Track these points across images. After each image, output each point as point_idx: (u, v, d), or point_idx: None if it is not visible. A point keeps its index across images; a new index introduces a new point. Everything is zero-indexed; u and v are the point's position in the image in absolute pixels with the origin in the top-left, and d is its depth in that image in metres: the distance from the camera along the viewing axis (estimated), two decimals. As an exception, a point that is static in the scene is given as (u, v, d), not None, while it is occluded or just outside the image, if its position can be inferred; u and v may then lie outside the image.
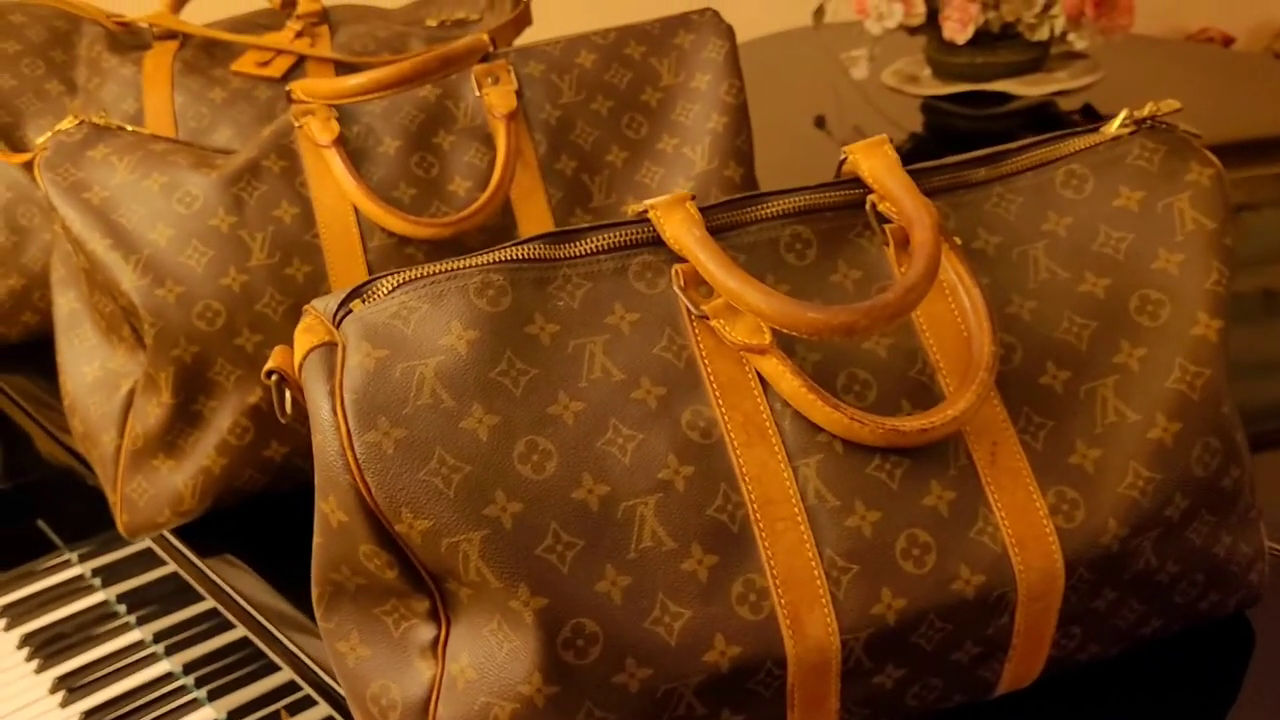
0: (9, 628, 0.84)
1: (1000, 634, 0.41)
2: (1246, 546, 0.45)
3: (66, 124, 0.60)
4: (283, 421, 0.39)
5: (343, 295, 0.39)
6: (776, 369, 0.40)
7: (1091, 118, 1.12)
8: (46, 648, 0.81)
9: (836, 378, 0.41)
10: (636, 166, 0.63)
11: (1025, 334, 0.43)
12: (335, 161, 0.58)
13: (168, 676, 0.75)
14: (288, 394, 0.38)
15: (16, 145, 0.78)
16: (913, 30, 1.20)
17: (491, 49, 0.64)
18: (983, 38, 1.17)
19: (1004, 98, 1.17)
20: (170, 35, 0.82)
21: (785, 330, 0.39)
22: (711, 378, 0.40)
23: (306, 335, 0.39)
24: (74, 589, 0.87)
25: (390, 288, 0.39)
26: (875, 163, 0.43)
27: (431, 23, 0.88)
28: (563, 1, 0.92)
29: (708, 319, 0.41)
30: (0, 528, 0.95)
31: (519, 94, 0.62)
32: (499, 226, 0.60)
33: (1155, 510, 0.41)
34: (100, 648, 0.80)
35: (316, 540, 0.38)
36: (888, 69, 1.26)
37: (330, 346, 0.38)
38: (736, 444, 0.40)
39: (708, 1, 0.70)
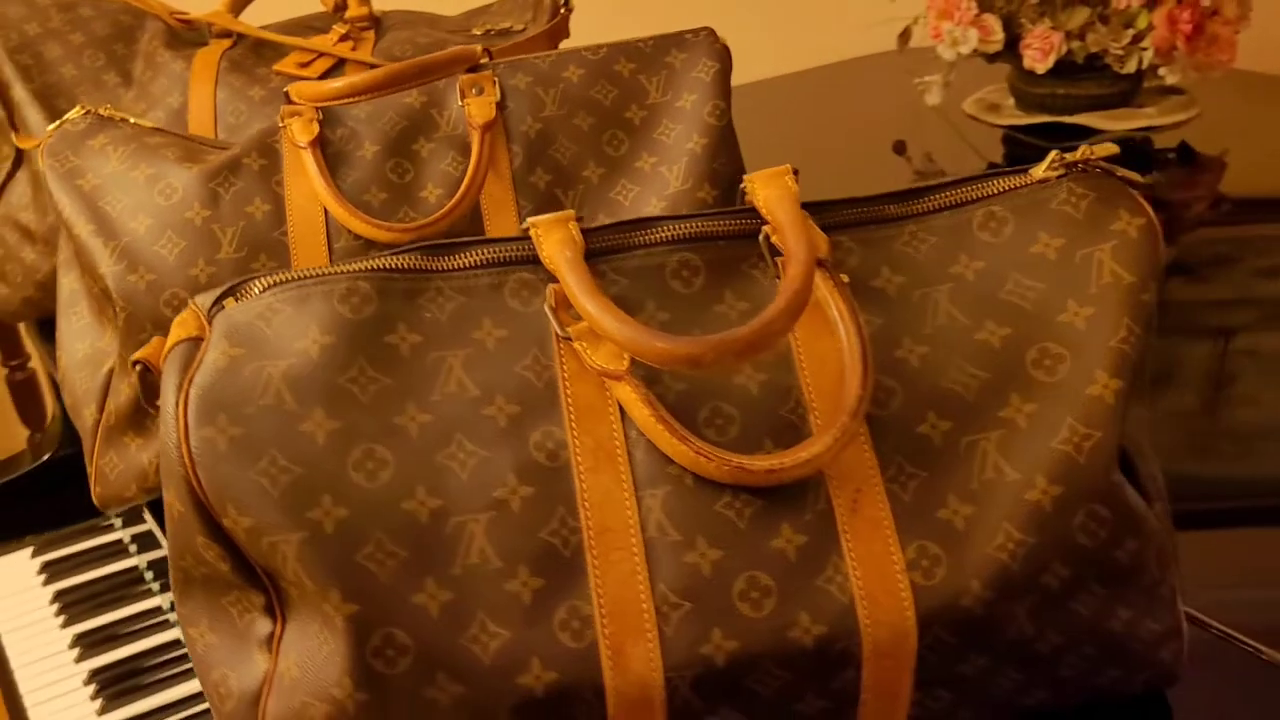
0: (46, 583, 0.89)
1: (847, 688, 0.39)
2: (1155, 623, 0.43)
3: (74, 114, 0.63)
4: (151, 411, 0.40)
5: (220, 291, 0.41)
6: (629, 396, 0.39)
7: (1185, 158, 1.07)
8: (75, 606, 0.86)
9: (700, 410, 0.40)
10: (612, 184, 0.63)
11: (910, 380, 0.41)
12: (309, 162, 0.60)
13: (176, 643, 0.79)
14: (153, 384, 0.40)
15: (71, 130, 0.83)
16: (991, 58, 1.17)
17: (485, 59, 0.65)
18: (1066, 68, 1.13)
19: (1087, 131, 1.12)
20: (226, 34, 0.86)
21: (636, 358, 0.39)
22: (570, 400, 0.40)
23: (179, 328, 0.40)
24: (111, 552, 0.91)
25: (263, 287, 0.40)
26: (771, 192, 0.42)
27: (477, 31, 0.89)
28: (602, 14, 0.93)
29: (572, 341, 0.40)
30: (63, 490, 1.01)
31: (501, 105, 0.63)
32: (466, 235, 0.60)
33: (1027, 576, 0.39)
34: (121, 610, 0.84)
35: (167, 528, 0.40)
36: (971, 97, 1.23)
37: (196, 341, 0.40)
38: (583, 469, 0.39)
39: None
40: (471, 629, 0.37)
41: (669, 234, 0.43)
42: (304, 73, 0.83)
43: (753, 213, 0.43)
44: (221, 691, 0.40)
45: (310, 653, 0.38)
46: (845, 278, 0.42)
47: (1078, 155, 0.44)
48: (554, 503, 0.39)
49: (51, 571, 0.91)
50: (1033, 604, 0.40)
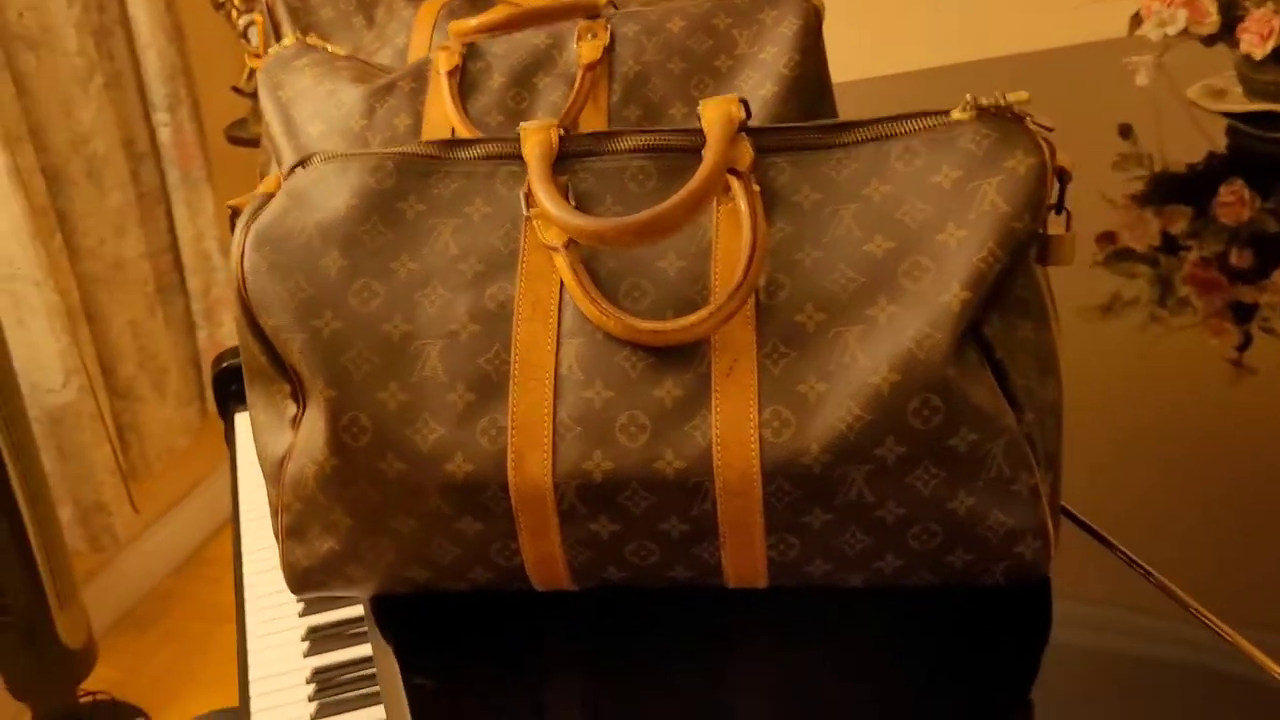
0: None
1: (705, 519, 0.48)
2: (1006, 517, 0.48)
3: (287, 41, 0.80)
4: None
5: (296, 161, 0.55)
6: (562, 264, 0.50)
7: None
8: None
9: (623, 283, 0.50)
10: (692, 122, 0.72)
11: (800, 278, 0.49)
12: (444, 87, 0.73)
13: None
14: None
15: (321, 63, 1.02)
16: (1208, 41, 1.15)
17: (611, 9, 0.76)
18: (1292, 54, 1.10)
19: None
20: (453, -15, 1.02)
21: (563, 231, 0.49)
22: (524, 266, 0.51)
23: (263, 187, 0.55)
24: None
25: (322, 159, 0.54)
26: (712, 114, 0.51)
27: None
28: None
29: (531, 220, 0.51)
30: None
31: (610, 49, 0.74)
32: (562, 155, 0.72)
33: (862, 446, 0.47)
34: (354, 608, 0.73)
35: (236, 329, 0.54)
36: (1199, 83, 1.21)
37: (269, 196, 0.54)
38: (521, 318, 0.50)
39: None
40: (417, 424, 0.49)
41: (630, 145, 0.53)
42: None
43: (699, 132, 0.52)
44: (264, 455, 0.54)
45: (311, 428, 0.51)
46: (757, 188, 0.50)
47: (989, 100, 0.50)
48: (493, 340, 0.50)
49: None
50: (869, 472, 0.47)
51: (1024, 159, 0.48)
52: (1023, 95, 0.49)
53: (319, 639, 0.77)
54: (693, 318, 0.48)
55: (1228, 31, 1.13)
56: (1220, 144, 1.15)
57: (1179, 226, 0.95)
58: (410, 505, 0.50)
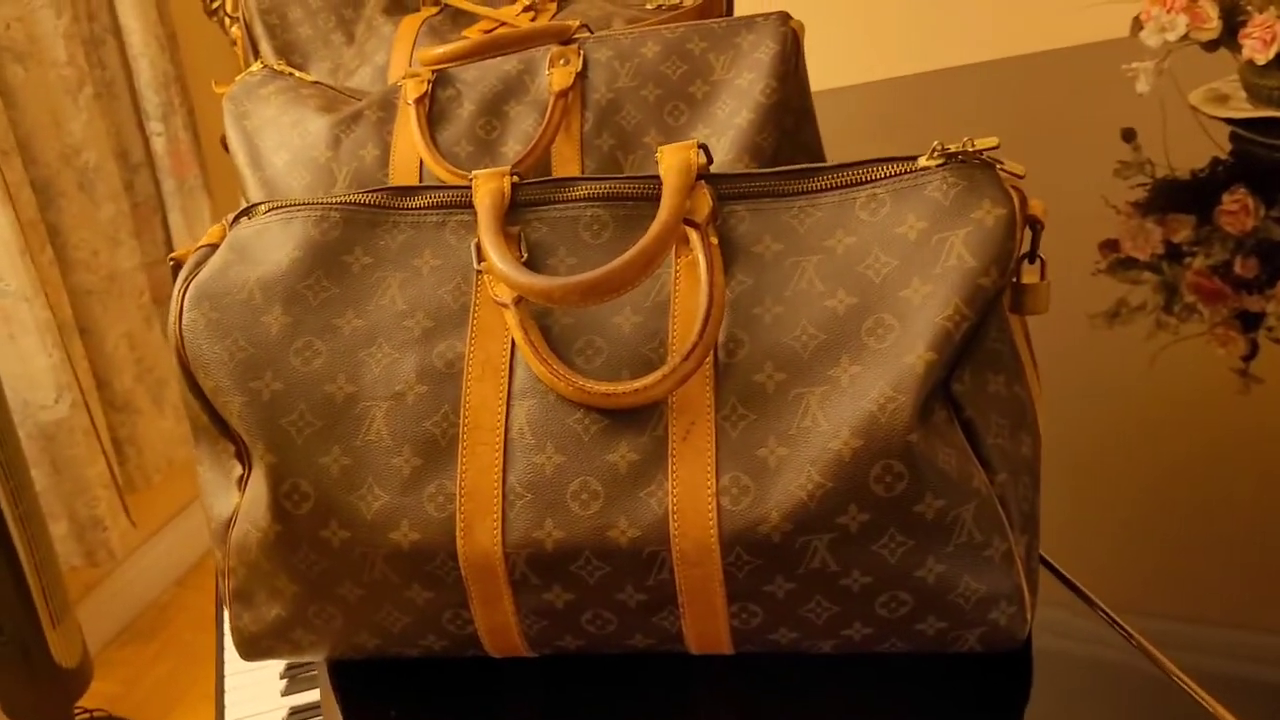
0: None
1: (663, 588, 0.46)
2: (978, 583, 0.46)
3: (254, 68, 0.78)
4: (184, 298, 0.53)
5: (240, 211, 0.53)
6: (512, 322, 0.48)
7: None
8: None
9: (577, 340, 0.48)
10: (666, 151, 0.70)
11: (759, 334, 0.47)
12: (413, 116, 0.71)
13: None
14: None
15: (299, 82, 1.00)
16: (1210, 46, 1.12)
17: (585, 34, 0.73)
18: (1297, 59, 1.07)
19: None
20: (435, 3, 0.99)
21: (510, 289, 0.47)
22: (475, 322, 0.49)
23: (207, 237, 0.53)
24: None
25: (266, 209, 0.52)
26: (670, 161, 0.49)
27: (650, 5, 0.98)
28: None
29: (482, 274, 0.49)
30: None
31: (583, 75, 0.72)
32: (534, 186, 0.70)
33: (823, 514, 0.44)
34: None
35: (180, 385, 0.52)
36: (1202, 87, 1.18)
37: (213, 247, 0.52)
38: (471, 377, 0.48)
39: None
40: (361, 489, 0.47)
41: (585, 192, 0.51)
42: (541, 24, 0.95)
43: (658, 179, 0.50)
44: (210, 516, 0.53)
45: (255, 492, 0.49)
46: (715, 240, 0.48)
47: (957, 146, 0.47)
48: (441, 401, 0.48)
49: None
50: (832, 541, 0.45)
51: (992, 209, 0.46)
52: (992, 141, 0.47)
53: (296, 678, 0.76)
54: (647, 380, 0.46)
55: (1230, 36, 1.10)
56: (1224, 150, 1.12)
57: (1182, 235, 0.92)
58: (356, 573, 0.48)
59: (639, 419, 0.47)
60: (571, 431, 0.47)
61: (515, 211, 0.51)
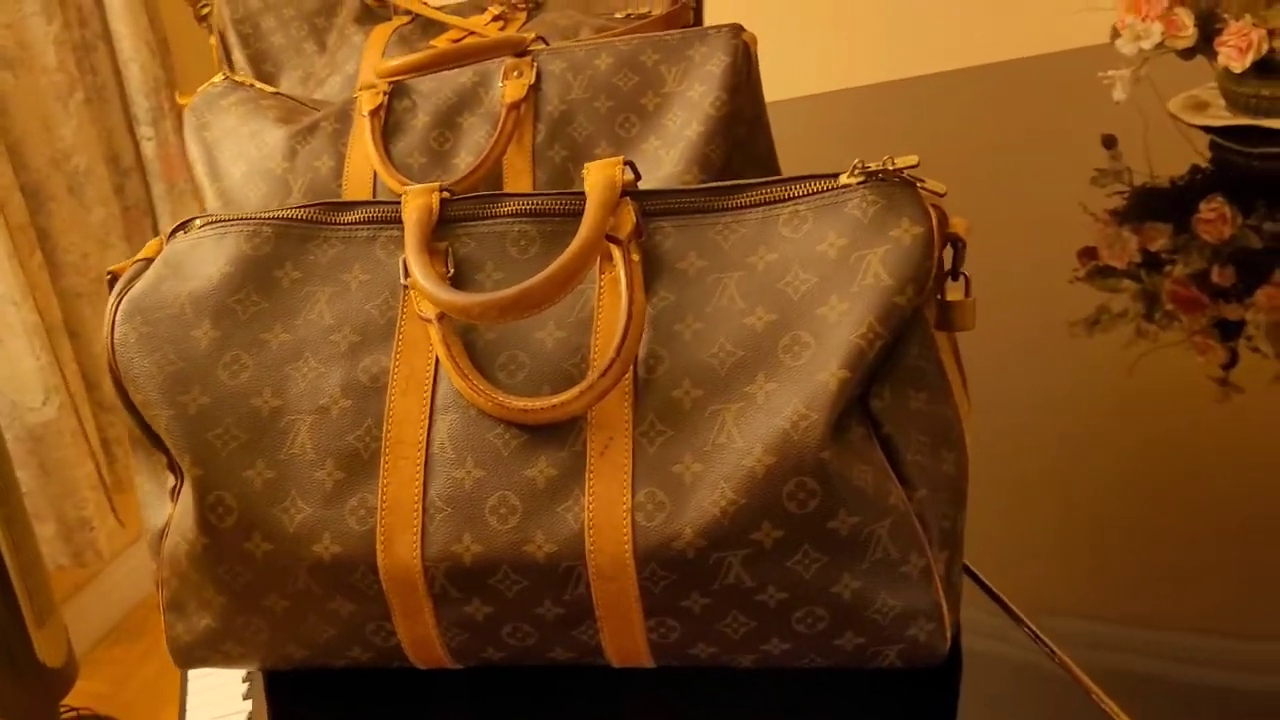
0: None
1: (580, 602, 0.47)
2: (895, 600, 0.46)
3: (215, 79, 0.78)
4: (121, 310, 0.53)
5: (177, 226, 0.53)
6: (435, 337, 0.48)
7: None
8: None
9: (500, 355, 0.49)
10: (619, 161, 0.70)
11: (679, 351, 0.47)
12: (366, 128, 0.72)
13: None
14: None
15: (271, 89, 1.00)
16: (1187, 54, 1.12)
17: (540, 46, 0.74)
18: (1272, 68, 1.07)
19: (1283, 136, 1.06)
20: (406, 13, 1.00)
21: (431, 304, 0.47)
22: (400, 337, 0.50)
23: (144, 251, 0.53)
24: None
25: (202, 224, 0.53)
26: (595, 178, 0.49)
27: (619, 15, 0.98)
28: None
29: (409, 289, 0.50)
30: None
31: (536, 87, 0.72)
32: (486, 198, 0.70)
33: (737, 530, 0.45)
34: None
35: (117, 398, 0.53)
36: (1182, 94, 1.18)
37: (148, 261, 0.52)
38: (395, 392, 0.49)
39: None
40: (284, 502, 0.48)
41: (513, 208, 0.51)
42: (496, 36, 0.95)
43: (584, 196, 0.50)
44: (147, 526, 0.53)
45: (184, 502, 0.50)
46: (637, 257, 0.48)
47: (878, 164, 0.47)
48: (365, 415, 0.48)
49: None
50: (746, 557, 0.45)
51: (910, 228, 0.46)
52: (911, 159, 0.47)
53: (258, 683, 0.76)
54: (564, 396, 0.46)
55: (1206, 44, 1.10)
56: (1203, 158, 1.12)
57: (1159, 243, 0.92)
58: (281, 585, 0.49)
59: (558, 434, 0.47)
60: (491, 446, 0.47)
61: (445, 227, 0.51)
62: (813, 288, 0.47)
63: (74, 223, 1.60)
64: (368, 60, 0.97)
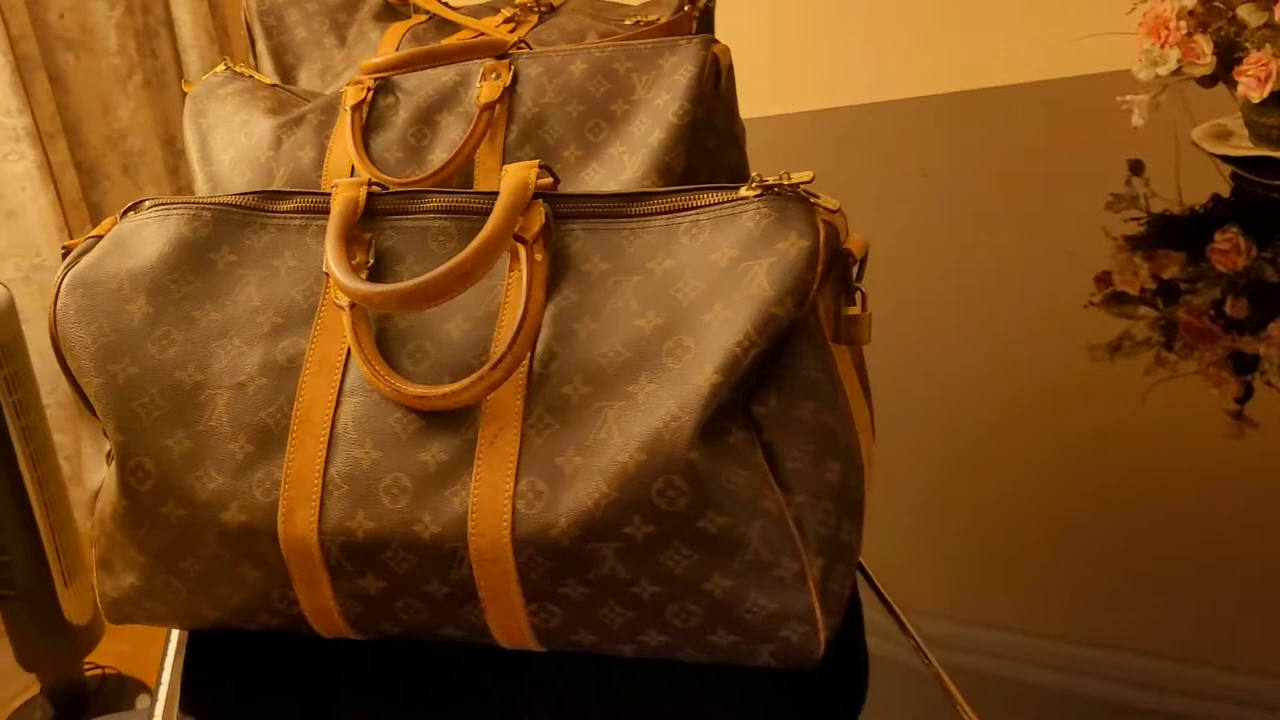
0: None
1: (464, 583, 0.49)
2: (767, 600, 0.48)
3: (218, 69, 0.82)
4: (77, 284, 0.57)
5: (129, 206, 0.57)
6: (346, 324, 0.51)
7: None
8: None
9: (408, 343, 0.51)
10: (585, 166, 0.73)
11: (573, 349, 0.49)
12: (348, 122, 0.75)
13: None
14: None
15: (290, 83, 1.04)
16: (1205, 82, 1.10)
17: (523, 49, 0.76)
18: (1294, 98, 1.06)
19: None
20: (424, 12, 1.03)
21: (344, 294, 0.50)
22: (319, 322, 0.52)
23: (99, 228, 0.57)
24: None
25: (150, 205, 0.56)
26: (510, 179, 0.52)
27: (628, 21, 1.01)
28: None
29: (328, 276, 0.52)
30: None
31: (512, 89, 0.75)
32: (456, 194, 0.73)
33: (609, 523, 0.47)
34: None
35: (63, 364, 0.57)
36: (1207, 123, 1.17)
37: (99, 238, 0.56)
38: (307, 374, 0.51)
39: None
40: (198, 471, 0.51)
41: (436, 205, 0.53)
42: (480, 38, 0.98)
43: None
44: (88, 489, 0.57)
45: (112, 467, 0.53)
46: (540, 256, 0.50)
47: (774, 179, 0.49)
48: (278, 394, 0.51)
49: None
50: (619, 549, 0.47)
51: (797, 241, 0.48)
52: (806, 175, 0.49)
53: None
54: (455, 385, 0.48)
55: (1226, 72, 1.08)
56: (1223, 187, 1.11)
57: (1170, 271, 0.92)
58: (194, 549, 0.52)
59: (454, 421, 0.49)
60: (391, 430, 0.50)
61: (373, 219, 0.54)
62: (700, 294, 0.48)
63: (126, 199, 1.66)
64: (379, 58, 1.01)
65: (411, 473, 0.49)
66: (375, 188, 0.54)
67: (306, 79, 1.03)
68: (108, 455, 0.55)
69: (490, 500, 0.48)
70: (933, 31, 1.54)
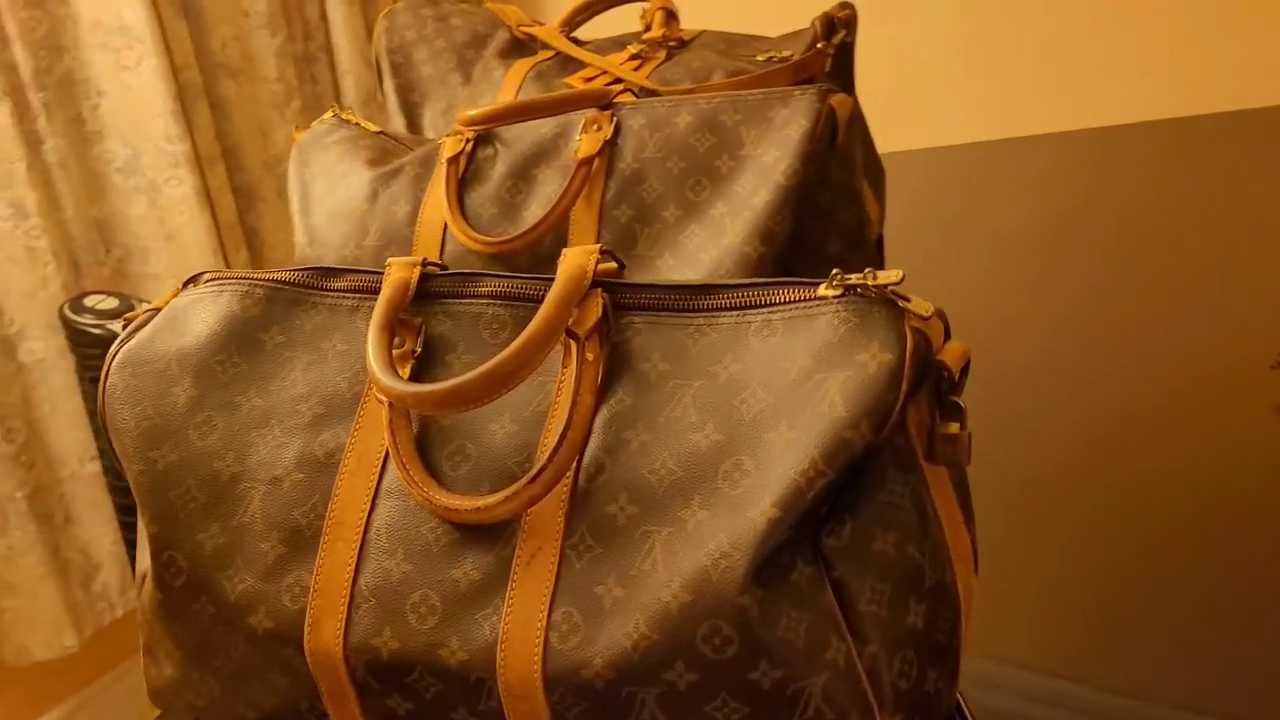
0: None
1: (493, 715, 0.44)
2: (831, 764, 0.42)
3: (325, 116, 0.80)
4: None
5: (190, 278, 0.54)
6: (384, 420, 0.47)
7: None
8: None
9: (450, 443, 0.47)
10: (684, 227, 0.67)
11: (622, 461, 0.44)
12: (443, 175, 0.72)
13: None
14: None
15: (414, 121, 1.02)
16: None
17: (628, 98, 0.72)
18: None
19: None
20: (549, 48, 1.00)
21: (378, 390, 0.46)
22: (362, 414, 0.49)
23: (162, 299, 0.54)
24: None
25: (208, 279, 0.53)
26: (567, 265, 0.47)
27: (760, 58, 0.95)
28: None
29: (374, 365, 0.49)
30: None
31: (613, 142, 0.70)
32: (549, 253, 0.69)
33: (648, 667, 0.41)
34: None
35: (117, 441, 0.55)
36: None
37: (156, 311, 0.54)
38: (345, 471, 0.48)
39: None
40: (229, 569, 0.48)
41: (491, 289, 0.49)
42: (585, 87, 0.95)
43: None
44: (136, 570, 0.54)
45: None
46: (591, 355, 0.45)
47: (858, 278, 0.43)
48: (314, 491, 0.48)
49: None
50: (660, 696, 0.41)
51: (878, 354, 0.41)
52: (894, 275, 0.42)
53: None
54: (491, 499, 0.44)
55: None
56: None
57: None
58: (225, 649, 0.49)
59: (490, 536, 0.45)
60: (423, 540, 0.46)
61: (426, 302, 0.50)
62: (765, 408, 0.42)
63: (280, 222, 1.70)
64: (503, 95, 0.98)
65: (442, 591, 0.45)
66: (432, 267, 0.50)
67: (430, 117, 1.01)
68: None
69: (522, 630, 0.43)
70: (1077, 64, 1.41)
